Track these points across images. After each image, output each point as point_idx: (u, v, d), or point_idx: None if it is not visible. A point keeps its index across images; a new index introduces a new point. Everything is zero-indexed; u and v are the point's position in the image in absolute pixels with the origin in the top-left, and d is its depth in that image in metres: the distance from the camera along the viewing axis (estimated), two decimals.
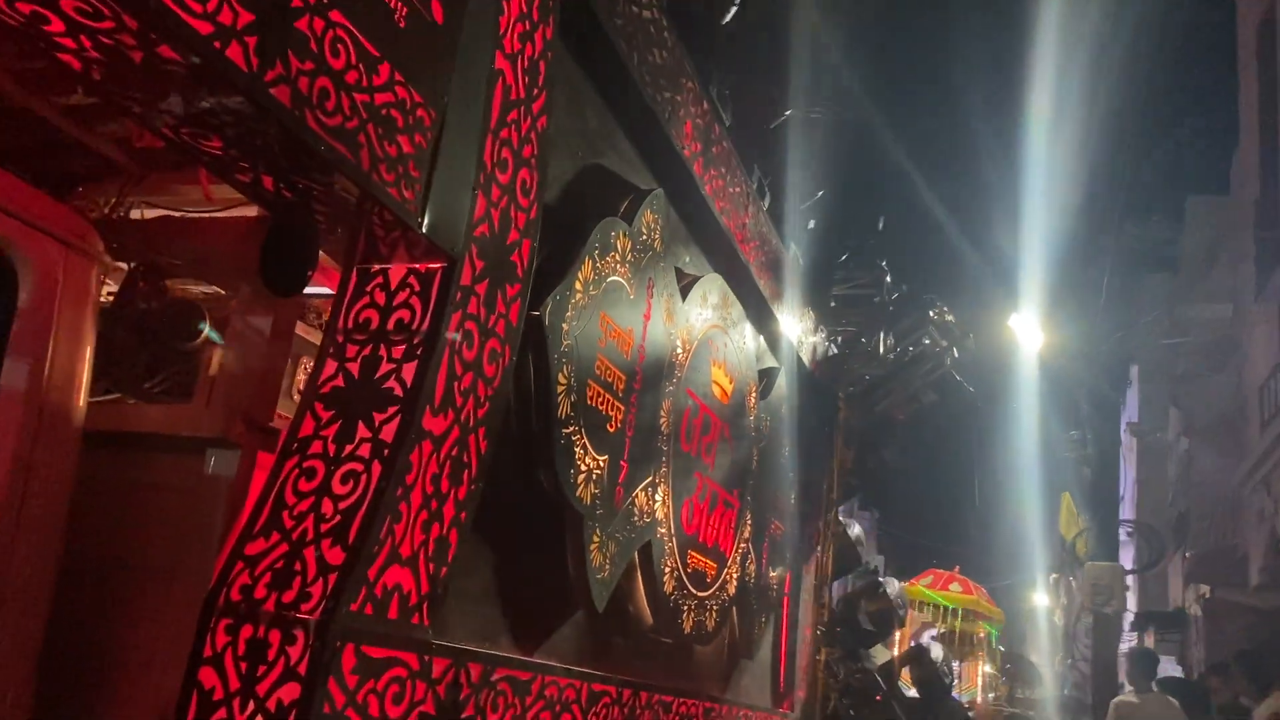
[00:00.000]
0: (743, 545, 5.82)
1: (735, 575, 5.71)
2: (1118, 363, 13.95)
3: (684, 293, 4.83)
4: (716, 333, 5.28)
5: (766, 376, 6.35)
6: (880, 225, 8.96)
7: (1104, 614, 10.53)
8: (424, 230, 2.69)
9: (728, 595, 5.56)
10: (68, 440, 2.80)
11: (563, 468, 3.63)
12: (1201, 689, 8.56)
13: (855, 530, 8.70)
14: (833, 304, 8.29)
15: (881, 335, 8.36)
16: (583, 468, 3.76)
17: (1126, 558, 13.16)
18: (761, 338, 6.38)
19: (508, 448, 3.49)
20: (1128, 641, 15.40)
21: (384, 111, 2.52)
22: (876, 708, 8.07)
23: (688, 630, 4.97)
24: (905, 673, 8.87)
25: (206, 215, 3.01)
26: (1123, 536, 13.66)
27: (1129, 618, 15.74)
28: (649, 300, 4.33)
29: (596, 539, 3.92)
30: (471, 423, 3.00)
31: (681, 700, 4.84)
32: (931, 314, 8.72)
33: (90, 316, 2.89)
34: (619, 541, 4.13)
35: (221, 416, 2.77)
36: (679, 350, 4.75)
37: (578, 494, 3.74)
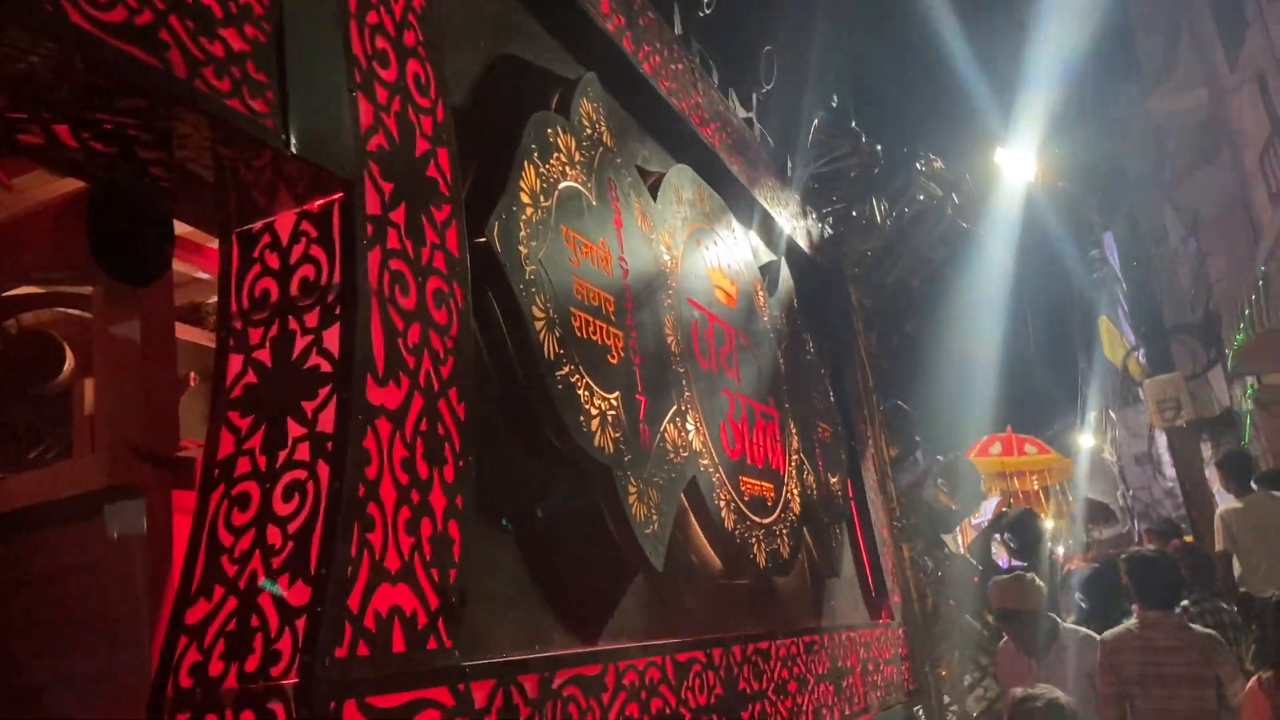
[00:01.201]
0: (794, 457, 5.19)
1: (796, 491, 5.09)
2: (1110, 179, 13.26)
3: (653, 192, 4.17)
4: (701, 231, 4.62)
5: (768, 271, 5.70)
6: (834, 102, 8.23)
7: (1176, 428, 9.95)
8: (294, 150, 2.02)
9: (794, 514, 4.95)
10: None
11: (569, 416, 2.99)
12: None
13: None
14: (815, 184, 7.60)
15: (874, 203, 7.67)
16: (593, 411, 3.12)
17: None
18: (752, 231, 5.72)
19: (498, 408, 2.85)
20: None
21: None
22: (976, 589, 7.49)
23: (763, 564, 4.36)
24: (998, 543, 8.30)
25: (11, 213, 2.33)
26: (1174, 346, 13.08)
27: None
28: (615, 204, 3.67)
29: (633, 489, 3.28)
30: (436, 386, 2.35)
31: (779, 643, 4.23)
32: (920, 166, 8.03)
33: None
34: (660, 486, 3.50)
35: (109, 460, 2.12)
36: (665, 257, 4.10)
37: (596, 443, 3.10)
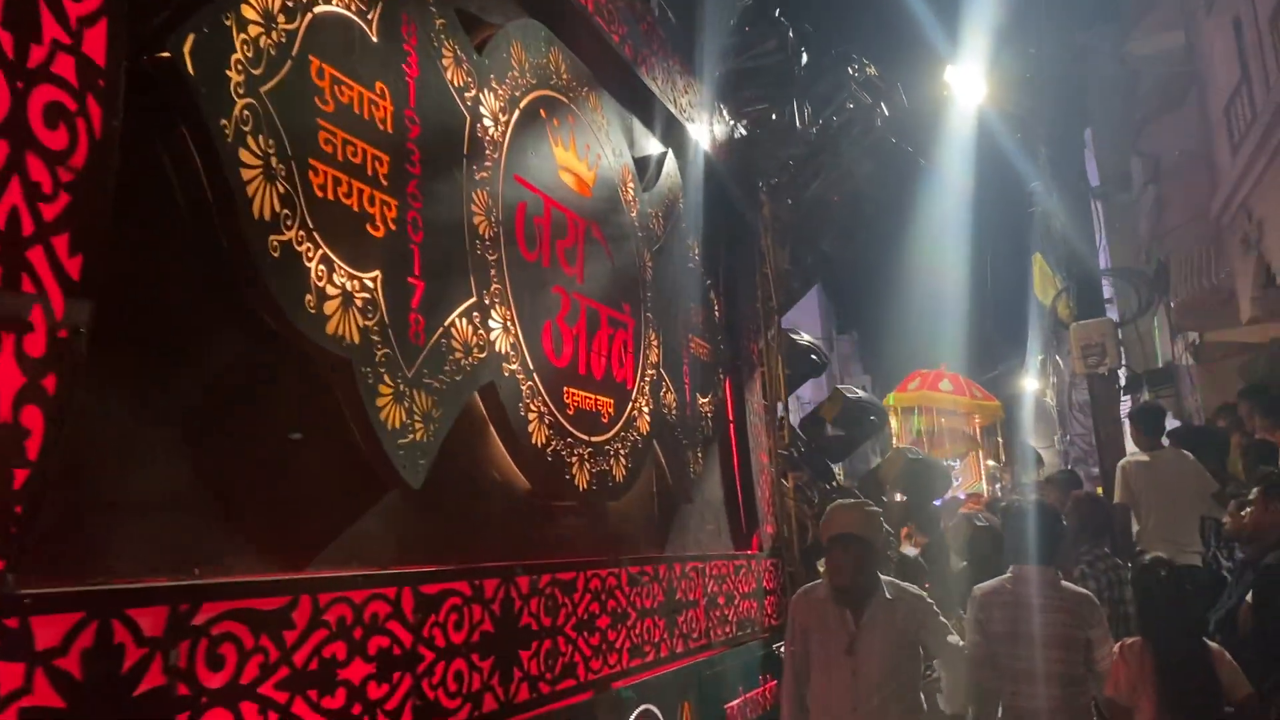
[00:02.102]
0: (650, 372, 4.68)
1: (647, 409, 4.59)
2: (1070, 116, 12.61)
3: (481, 48, 3.54)
4: (550, 102, 4.00)
5: (648, 164, 5.10)
6: None
7: (1098, 375, 9.58)
8: None
9: (640, 433, 4.46)
10: None
11: (287, 293, 2.42)
12: (1215, 434, 7.65)
13: (805, 338, 7.59)
14: (731, 79, 6.95)
15: (796, 106, 7.04)
16: (329, 290, 2.55)
17: (1114, 313, 12.16)
18: (636, 119, 5.11)
19: (202, 277, 2.28)
20: (1124, 407, 14.65)
21: None
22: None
23: (585, 486, 3.87)
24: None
25: None
26: (1107, 291, 12.64)
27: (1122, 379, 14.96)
28: (409, 48, 3.04)
29: (386, 390, 2.74)
30: (28, 228, 1.77)
31: (594, 573, 3.77)
32: (851, 70, 7.40)
33: None
34: (435, 390, 2.96)
35: None
36: (489, 124, 3.49)
37: (331, 330, 2.54)
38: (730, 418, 6.10)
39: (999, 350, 30.11)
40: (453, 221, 3.19)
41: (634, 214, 4.72)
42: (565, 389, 3.81)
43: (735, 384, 6.15)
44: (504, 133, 3.58)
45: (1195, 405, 16.31)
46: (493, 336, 3.33)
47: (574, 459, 3.79)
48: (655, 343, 4.76)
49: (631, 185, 4.72)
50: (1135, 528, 6.87)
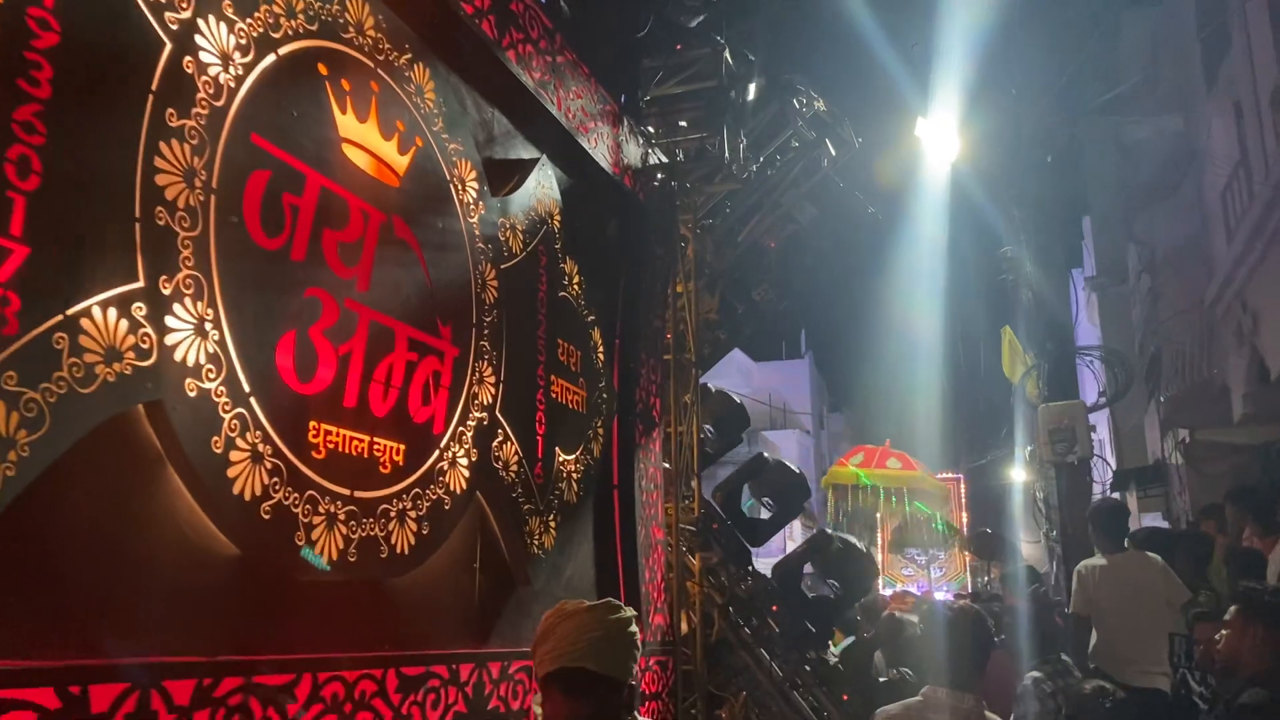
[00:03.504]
0: (477, 415, 3.75)
1: (466, 461, 3.65)
2: (1067, 206, 11.74)
3: None
4: (340, 60, 3.14)
5: (509, 167, 4.24)
6: None
7: (1067, 463, 8.62)
8: None
9: (448, 492, 3.51)
10: None
11: None
12: (1194, 539, 6.69)
13: (736, 397, 6.66)
14: (661, 101, 6.14)
15: (729, 138, 6.20)
16: None
17: (1089, 395, 11.25)
18: (499, 112, 4.25)
19: None
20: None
21: None
22: (778, 619, 6.12)
23: (335, 556, 2.92)
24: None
25: None
26: (1083, 370, 11.72)
27: (1103, 472, 13.99)
28: None
29: None
30: None
31: (328, 674, 2.80)
32: (797, 103, 6.59)
33: None
34: (32, 403, 2.04)
35: None
36: (210, 61, 2.61)
37: None
38: (615, 482, 5.15)
39: (985, 437, 29.10)
40: (112, 174, 2.29)
41: (473, 219, 3.83)
42: (312, 424, 2.88)
43: (624, 443, 5.21)
44: (239, 78, 2.70)
45: (1184, 507, 15.34)
46: (171, 340, 2.41)
47: (315, 519, 2.84)
48: (490, 380, 3.84)
49: (473, 186, 3.84)
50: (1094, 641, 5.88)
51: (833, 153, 6.64)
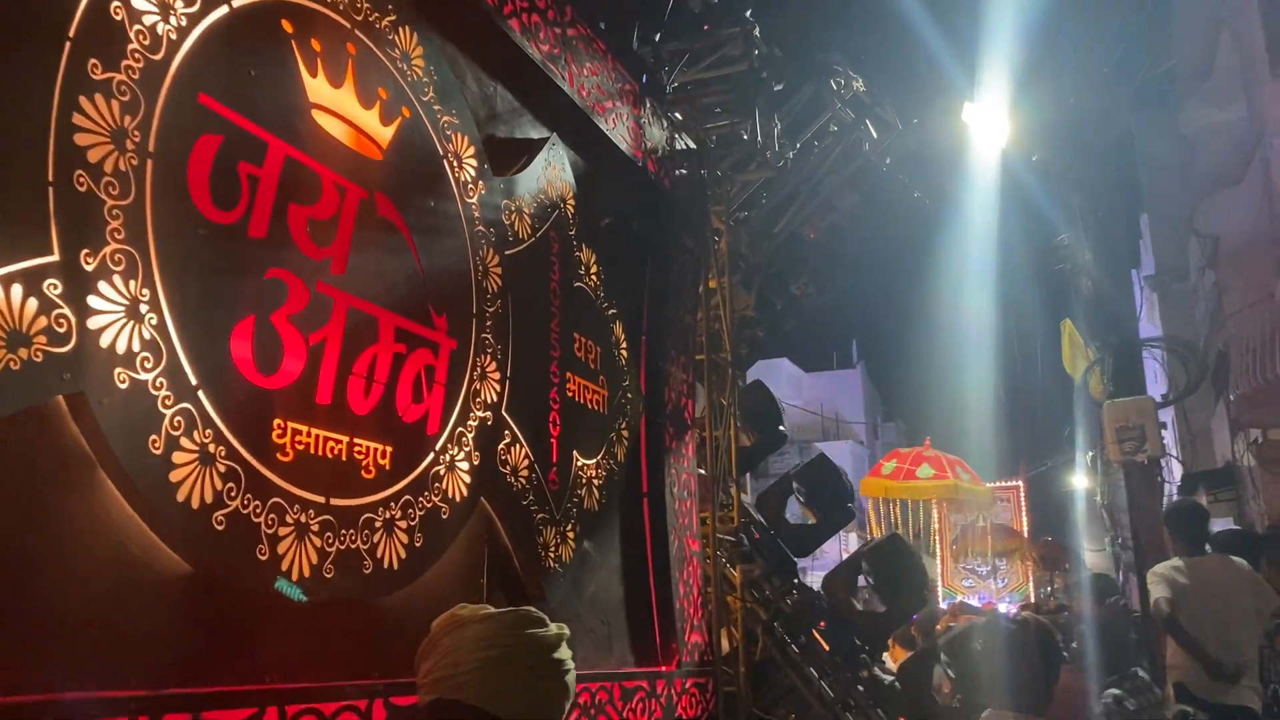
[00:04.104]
0: (480, 415, 3.39)
1: (467, 465, 3.29)
2: (1125, 199, 11.07)
3: None
4: (310, 18, 2.81)
5: (517, 148, 3.89)
6: None
7: (1136, 464, 8.00)
8: None
9: (446, 500, 3.16)
10: None
11: None
12: None
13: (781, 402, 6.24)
14: (689, 85, 5.76)
15: (759, 122, 5.79)
16: None
17: (1157, 391, 10.60)
18: (502, 87, 3.91)
19: None
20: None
21: None
22: (826, 635, 5.68)
23: (307, 572, 2.57)
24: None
25: None
26: (1150, 366, 11.04)
27: (1173, 473, 13.24)
28: None
29: None
30: None
31: (300, 707, 2.45)
32: (834, 84, 6.18)
33: None
34: None
35: None
36: (146, 9, 2.30)
37: None
38: (644, 490, 4.76)
39: (1045, 442, 28.15)
40: (17, 132, 1.98)
41: (472, 200, 3.48)
42: (277, 422, 2.54)
43: (653, 447, 4.83)
44: (182, 29, 2.38)
45: (1259, 510, 14.57)
46: (96, 323, 2.08)
47: (282, 529, 2.49)
48: (495, 376, 3.48)
49: (470, 163, 3.50)
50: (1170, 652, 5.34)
51: (874, 135, 6.22)
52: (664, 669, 4.61)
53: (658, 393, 4.92)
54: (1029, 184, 8.96)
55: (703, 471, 5.44)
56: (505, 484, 3.51)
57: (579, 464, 4.04)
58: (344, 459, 2.76)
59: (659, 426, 4.87)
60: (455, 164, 3.42)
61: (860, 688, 5.57)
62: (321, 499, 2.66)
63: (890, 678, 5.70)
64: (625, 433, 4.52)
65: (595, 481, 4.17)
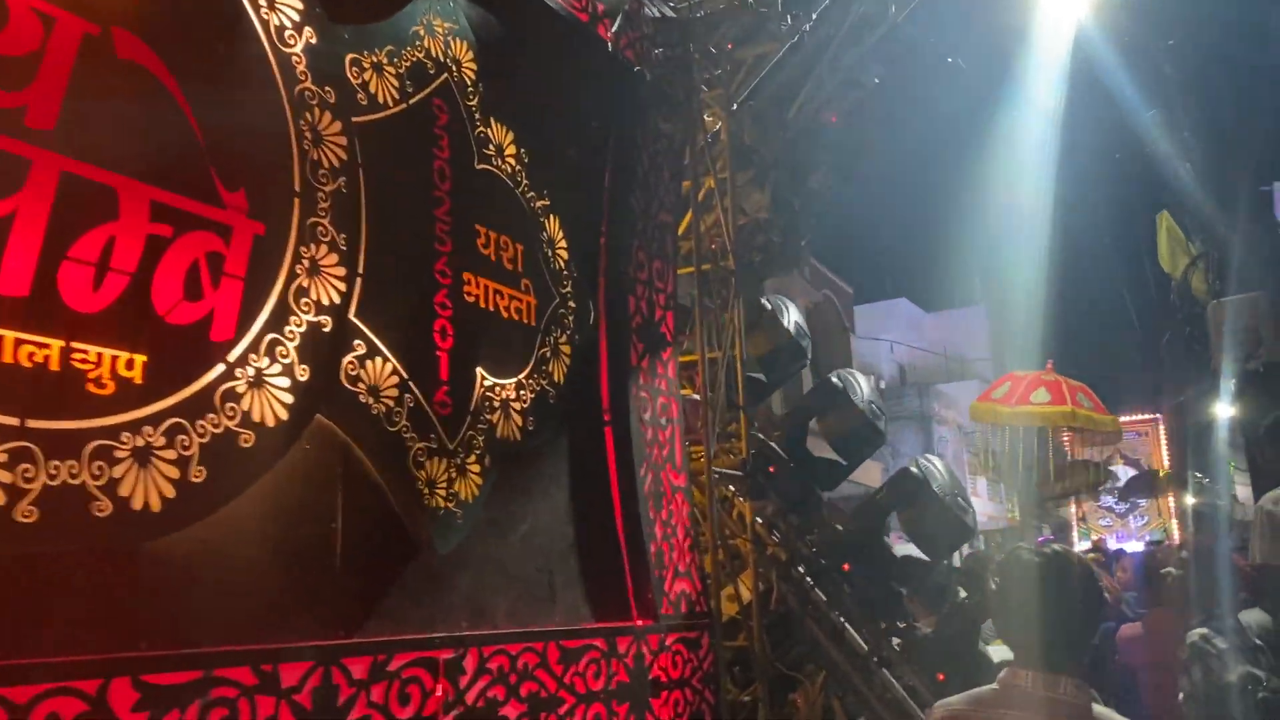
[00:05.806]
0: (311, 318, 2.70)
1: (289, 380, 2.61)
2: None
3: None
4: None
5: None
6: None
7: (1250, 371, 6.74)
8: None
9: (247, 423, 2.49)
10: None
11: None
12: None
13: (792, 317, 5.37)
14: None
15: None
16: None
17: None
18: None
19: None
20: None
21: None
22: (851, 579, 4.83)
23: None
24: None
25: None
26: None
27: None
28: None
29: None
30: None
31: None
32: None
33: None
34: None
35: None
36: None
37: None
38: (606, 417, 4.02)
39: (1179, 369, 25.83)
40: None
41: (294, 49, 2.76)
42: None
43: (616, 367, 4.07)
44: None
45: None
46: None
47: None
48: (336, 272, 2.78)
49: (289, 3, 2.77)
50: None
51: None
52: (639, 623, 3.89)
53: (619, 303, 4.15)
54: (1103, 56, 7.63)
55: (695, 396, 4.67)
56: (358, 406, 2.83)
57: (486, 383, 3.32)
58: (54, 369, 2.11)
59: (622, 343, 4.10)
60: (264, 1, 2.70)
61: (895, 639, 4.74)
62: (15, 421, 2.02)
63: (928, 629, 4.84)
64: (566, 348, 3.78)
65: (515, 405, 3.45)
